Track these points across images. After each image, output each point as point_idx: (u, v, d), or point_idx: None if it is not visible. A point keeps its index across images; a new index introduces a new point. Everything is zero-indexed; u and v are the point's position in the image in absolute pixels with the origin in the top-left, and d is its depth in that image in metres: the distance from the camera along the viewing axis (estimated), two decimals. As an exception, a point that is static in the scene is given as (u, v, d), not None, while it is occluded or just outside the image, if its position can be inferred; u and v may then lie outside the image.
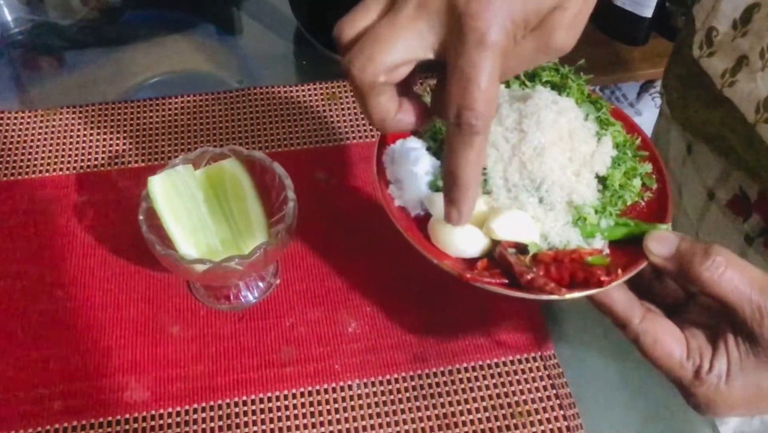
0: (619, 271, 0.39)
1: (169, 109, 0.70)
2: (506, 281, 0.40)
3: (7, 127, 0.67)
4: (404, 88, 0.37)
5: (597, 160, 0.44)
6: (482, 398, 0.52)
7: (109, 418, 0.50)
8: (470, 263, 0.42)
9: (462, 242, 0.42)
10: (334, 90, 0.72)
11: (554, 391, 0.52)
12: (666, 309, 0.41)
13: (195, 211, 0.52)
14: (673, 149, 0.68)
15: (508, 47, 0.33)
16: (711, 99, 0.57)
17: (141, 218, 0.50)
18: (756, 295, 0.36)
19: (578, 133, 0.43)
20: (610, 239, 0.43)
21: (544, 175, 0.42)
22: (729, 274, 0.36)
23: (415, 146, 0.46)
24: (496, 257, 0.42)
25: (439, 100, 0.37)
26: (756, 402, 0.38)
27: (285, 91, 0.72)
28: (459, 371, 0.53)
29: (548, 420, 0.51)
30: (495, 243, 0.42)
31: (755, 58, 0.52)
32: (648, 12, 1.29)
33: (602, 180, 0.45)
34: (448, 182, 0.37)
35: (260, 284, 0.57)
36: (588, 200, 0.43)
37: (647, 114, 1.46)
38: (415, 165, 0.44)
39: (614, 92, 1.50)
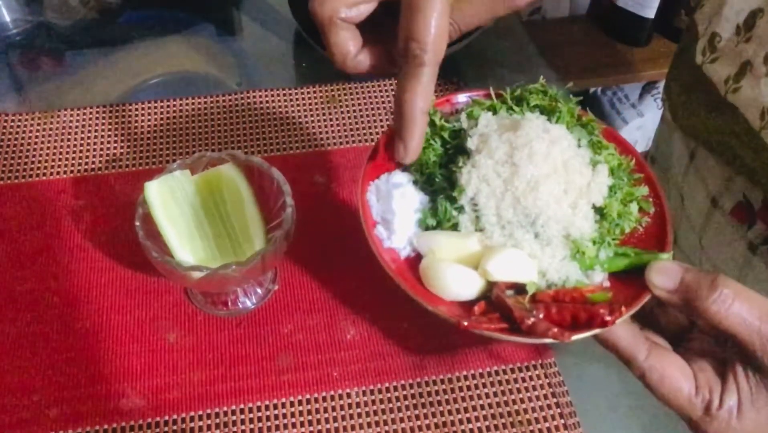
0: (623, 308, 0.37)
1: (167, 113, 0.69)
2: (506, 326, 0.38)
3: (5, 130, 0.67)
4: (372, 34, 0.38)
5: (593, 190, 0.42)
6: (482, 407, 0.51)
7: (106, 426, 0.50)
8: (467, 306, 0.40)
9: (456, 284, 0.40)
10: (333, 93, 0.71)
11: (555, 400, 0.52)
12: (670, 337, 0.40)
13: (192, 217, 0.52)
14: (675, 156, 0.67)
15: None
16: (714, 105, 0.57)
17: (138, 223, 0.49)
18: (766, 327, 0.35)
19: (572, 163, 0.42)
20: (610, 271, 0.42)
21: (539, 210, 0.40)
22: (737, 307, 0.35)
23: (401, 181, 0.44)
24: (493, 300, 0.40)
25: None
26: None
27: (284, 94, 0.71)
28: (459, 379, 0.53)
29: (549, 429, 0.50)
30: (491, 284, 0.40)
31: (759, 64, 0.52)
32: (650, 13, 1.28)
33: (599, 210, 0.43)
34: (395, 116, 0.38)
35: (258, 290, 0.56)
36: (585, 233, 0.42)
37: (649, 115, 1.45)
38: (402, 203, 0.42)
39: (616, 93, 1.50)
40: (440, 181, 0.43)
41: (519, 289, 0.40)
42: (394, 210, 0.42)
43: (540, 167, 0.40)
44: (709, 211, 0.61)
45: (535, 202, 0.40)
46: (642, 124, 1.46)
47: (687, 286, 0.37)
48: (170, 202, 0.51)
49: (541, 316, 0.38)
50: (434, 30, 0.35)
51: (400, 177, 0.44)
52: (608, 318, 0.37)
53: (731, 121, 0.55)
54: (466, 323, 0.38)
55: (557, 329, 0.37)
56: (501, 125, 0.43)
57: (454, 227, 0.42)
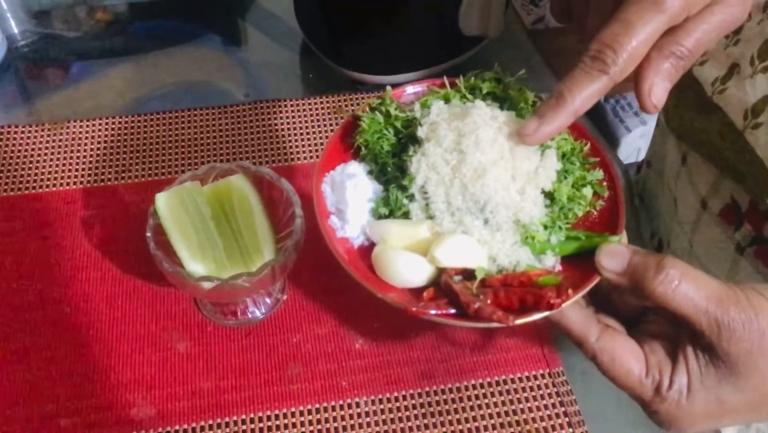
0: (570, 291, 0.38)
1: (176, 123, 0.70)
2: (453, 312, 0.39)
3: (15, 142, 0.67)
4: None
5: (541, 175, 0.42)
6: (490, 416, 0.52)
7: (116, 435, 0.50)
8: (417, 293, 0.41)
9: (406, 271, 0.40)
10: (340, 103, 0.72)
11: (563, 408, 0.52)
12: (626, 320, 0.41)
13: (202, 228, 0.52)
14: (668, 161, 0.67)
15: (679, 16, 0.36)
16: (702, 106, 0.57)
17: (148, 234, 0.50)
18: (712, 307, 0.35)
19: (520, 149, 0.41)
20: (562, 255, 0.42)
21: (487, 196, 0.41)
22: (683, 287, 0.35)
23: (355, 172, 0.44)
24: (442, 286, 0.40)
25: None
26: (718, 416, 0.37)
27: (291, 105, 0.72)
28: (467, 388, 0.53)
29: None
30: (441, 270, 0.41)
31: (745, 65, 0.52)
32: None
33: (549, 195, 0.43)
34: (551, 99, 0.38)
35: (267, 300, 0.57)
36: (535, 218, 0.42)
37: (652, 123, 1.45)
38: (355, 193, 0.43)
39: (619, 101, 1.50)
40: (392, 170, 0.44)
41: (468, 275, 0.40)
42: (347, 200, 0.43)
43: (487, 154, 0.40)
44: (699, 213, 0.61)
45: (483, 188, 0.40)
46: (645, 132, 1.47)
47: (634, 268, 0.37)
48: (181, 214, 0.51)
49: (488, 301, 0.38)
50: (634, 52, 0.36)
51: (354, 167, 0.45)
52: (554, 301, 0.37)
53: (717, 122, 0.55)
54: (414, 309, 0.38)
55: (502, 313, 0.37)
56: (452, 114, 0.43)
57: (406, 215, 0.43)
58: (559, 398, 0.52)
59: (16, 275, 0.58)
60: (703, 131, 0.58)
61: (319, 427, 0.51)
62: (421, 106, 0.45)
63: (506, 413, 0.52)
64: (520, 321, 0.38)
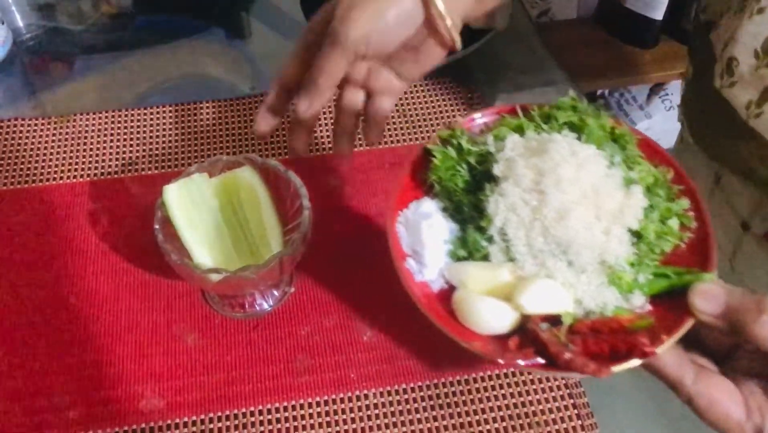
0: (664, 336, 0.36)
1: (182, 116, 0.70)
2: (542, 361, 0.37)
3: (21, 135, 0.67)
4: None
5: (627, 214, 0.40)
6: (499, 408, 0.52)
7: (125, 427, 0.50)
8: (501, 339, 0.39)
9: (490, 318, 0.38)
10: (347, 96, 0.72)
11: (572, 400, 0.52)
12: (716, 356, 0.39)
13: (210, 220, 0.52)
14: (699, 179, 0.65)
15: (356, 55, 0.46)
16: (737, 130, 0.55)
17: (157, 226, 0.50)
18: None
19: (603, 187, 0.39)
20: (651, 294, 0.39)
21: (570, 238, 0.38)
22: None
23: (429, 211, 0.42)
24: (528, 334, 0.38)
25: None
26: None
27: (298, 98, 0.71)
28: (476, 381, 0.53)
29: (566, 430, 0.50)
30: (525, 316, 0.39)
31: None
32: (659, 14, 1.28)
33: (636, 233, 0.40)
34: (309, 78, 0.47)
35: (275, 293, 0.57)
36: (621, 257, 0.39)
37: (657, 117, 1.45)
38: (431, 234, 0.41)
39: (623, 95, 1.50)
40: (468, 209, 0.42)
41: (555, 320, 0.38)
42: (424, 242, 0.41)
43: (569, 194, 0.39)
44: (740, 235, 0.60)
45: (566, 230, 0.38)
46: (650, 125, 1.46)
47: (733, 310, 0.35)
48: (189, 206, 0.51)
49: (578, 348, 0.36)
50: (360, 24, 0.45)
51: (428, 205, 0.43)
52: (649, 349, 0.35)
53: (756, 147, 0.53)
54: (501, 361, 0.37)
55: (595, 366, 0.35)
56: (528, 148, 0.41)
57: (485, 258, 0.41)
58: (568, 390, 0.52)
59: (24, 268, 0.58)
60: (740, 154, 0.56)
61: (328, 419, 0.51)
62: (494, 138, 0.43)
63: (515, 406, 0.52)
64: (615, 370, 0.35)
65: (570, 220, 0.38)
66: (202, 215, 0.52)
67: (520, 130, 0.44)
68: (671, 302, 0.38)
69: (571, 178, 0.39)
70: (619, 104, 1.49)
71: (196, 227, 0.51)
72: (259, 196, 0.54)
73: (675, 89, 1.45)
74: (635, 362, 0.36)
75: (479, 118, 0.46)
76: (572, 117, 0.43)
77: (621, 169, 0.42)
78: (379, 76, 0.50)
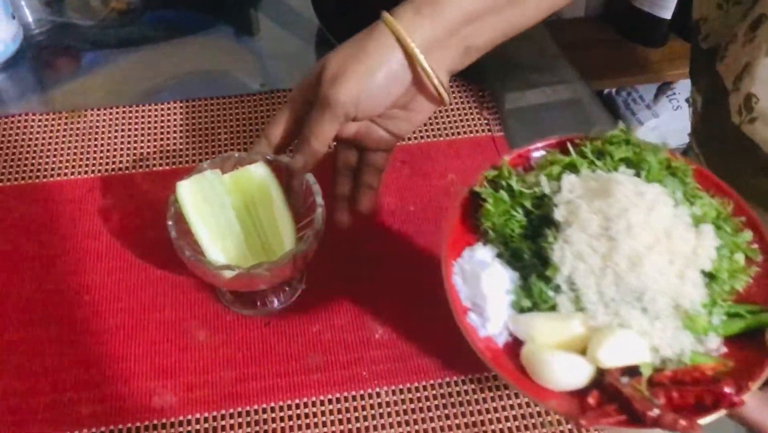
0: (749, 383, 0.35)
1: (193, 113, 0.70)
2: (626, 418, 0.35)
3: (32, 130, 0.67)
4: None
5: (701, 256, 0.38)
6: (511, 407, 0.52)
7: (138, 423, 0.50)
8: (578, 395, 0.37)
9: (565, 373, 0.37)
10: (357, 93, 0.72)
11: (584, 400, 0.52)
12: None
13: (223, 217, 0.52)
14: None
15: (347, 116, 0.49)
16: (760, 165, 0.54)
17: (170, 223, 0.50)
18: None
19: (674, 229, 0.38)
20: (726, 335, 0.38)
21: (644, 285, 0.37)
22: None
23: (486, 259, 0.40)
24: (608, 389, 0.36)
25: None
26: None
27: (308, 95, 0.71)
28: (488, 379, 0.53)
29: (578, 429, 0.50)
30: (601, 369, 0.37)
31: None
32: (667, 13, 1.28)
33: (709, 274, 0.39)
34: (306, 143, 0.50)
35: (286, 289, 0.57)
36: (696, 301, 0.38)
37: (665, 116, 1.45)
38: (492, 285, 0.39)
39: (631, 94, 1.49)
40: (529, 256, 0.40)
41: (632, 371, 0.37)
42: (485, 294, 0.39)
43: (640, 240, 0.37)
44: None
45: (640, 277, 0.37)
46: (657, 125, 1.46)
47: None
48: (201, 202, 0.51)
49: (662, 402, 0.35)
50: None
51: (483, 253, 0.41)
52: (737, 399, 0.34)
53: None
54: (584, 421, 0.35)
55: (686, 422, 0.34)
56: (588, 189, 0.39)
57: (552, 308, 0.39)
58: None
59: (34, 263, 0.58)
60: (764, 189, 0.55)
61: (340, 417, 0.51)
62: (547, 177, 0.41)
63: (527, 404, 0.52)
64: (703, 422, 0.34)
65: (644, 267, 0.37)
66: (214, 212, 0.52)
67: (572, 168, 0.42)
68: (746, 341, 0.37)
69: (641, 223, 0.37)
70: (626, 103, 1.48)
71: (209, 224, 0.51)
72: (271, 193, 0.53)
73: (682, 88, 1.45)
74: (721, 412, 0.35)
75: (527, 154, 0.44)
76: (627, 152, 0.42)
77: (686, 207, 0.40)
78: (371, 134, 0.52)
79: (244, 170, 0.54)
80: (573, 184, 0.40)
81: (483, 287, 0.39)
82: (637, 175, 0.41)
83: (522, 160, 0.44)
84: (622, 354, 0.37)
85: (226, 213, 0.52)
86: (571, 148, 0.43)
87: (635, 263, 0.37)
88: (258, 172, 0.54)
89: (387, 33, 0.47)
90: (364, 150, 0.54)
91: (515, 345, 0.39)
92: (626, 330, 0.37)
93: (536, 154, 0.44)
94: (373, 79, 0.47)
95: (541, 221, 0.40)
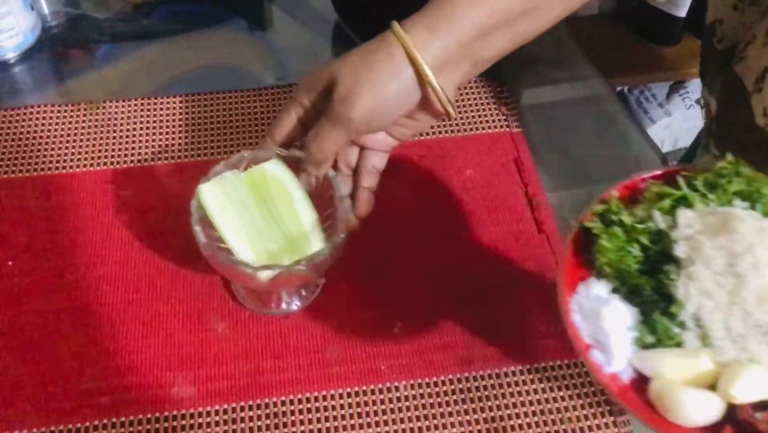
0: None
1: (211, 105, 0.70)
2: None
3: (50, 121, 0.67)
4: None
5: None
6: (530, 403, 0.51)
7: (157, 414, 0.50)
8: (708, 430, 0.37)
9: (696, 409, 0.37)
10: (375, 88, 0.71)
11: (604, 397, 0.51)
12: None
13: (247, 218, 0.51)
14: None
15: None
16: None
17: (197, 228, 0.48)
18: None
19: None
20: None
21: None
22: None
23: (604, 295, 0.40)
24: (742, 425, 0.37)
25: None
26: None
27: (326, 89, 0.71)
28: (506, 375, 0.53)
29: (598, 426, 0.50)
30: (732, 404, 0.37)
31: None
32: (681, 11, 1.27)
33: None
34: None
35: (304, 290, 0.56)
36: None
37: (677, 115, 1.44)
38: (613, 321, 0.39)
39: (643, 92, 1.49)
40: (649, 293, 0.40)
41: (763, 406, 0.37)
42: (608, 331, 0.39)
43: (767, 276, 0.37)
44: None
45: None
46: (669, 123, 1.45)
47: None
48: (225, 204, 0.50)
49: None
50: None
51: (599, 289, 0.41)
52: None
53: None
54: None
55: None
56: (706, 225, 0.40)
57: (678, 344, 0.39)
58: (600, 387, 0.52)
59: (54, 254, 0.58)
60: None
61: (359, 410, 0.51)
62: (660, 211, 0.41)
63: (546, 401, 0.51)
64: None
65: None
66: (239, 213, 0.51)
67: (685, 202, 0.42)
68: None
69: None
70: (639, 101, 1.48)
71: (236, 226, 0.50)
72: (289, 189, 0.52)
73: (695, 87, 1.44)
74: None
75: (631, 185, 0.44)
76: (740, 185, 0.42)
77: None
78: (372, 135, 0.52)
79: (259, 168, 0.52)
80: (690, 220, 0.40)
81: (605, 324, 0.39)
82: (752, 207, 0.41)
83: (627, 191, 0.44)
84: (755, 389, 0.37)
85: (249, 213, 0.51)
86: (681, 182, 0.43)
87: (763, 299, 0.37)
88: (273, 169, 0.52)
89: (398, 50, 0.46)
90: (363, 149, 0.54)
91: (640, 381, 0.39)
92: (757, 365, 0.37)
93: (640, 186, 0.44)
94: (385, 98, 0.47)
95: (659, 257, 0.41)
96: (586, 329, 0.40)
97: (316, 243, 0.51)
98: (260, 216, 0.52)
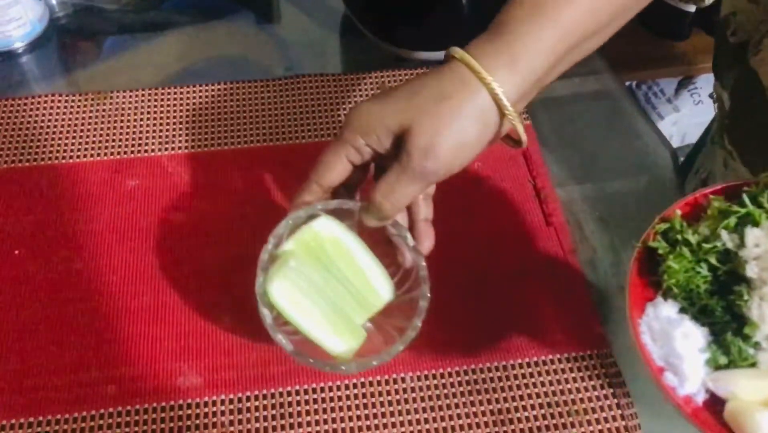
0: None
1: (219, 96, 0.70)
2: None
3: (58, 111, 0.67)
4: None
5: None
6: (537, 395, 0.51)
7: (163, 403, 0.50)
8: None
9: None
10: (384, 79, 0.71)
11: (611, 390, 0.51)
12: None
13: (321, 300, 0.47)
14: None
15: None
16: None
17: (279, 337, 0.45)
18: None
19: None
20: None
21: None
22: None
23: (674, 315, 0.40)
24: None
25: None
26: None
27: (334, 80, 0.71)
28: (513, 367, 0.52)
29: (605, 419, 0.50)
30: None
31: None
32: (691, 6, 1.26)
33: None
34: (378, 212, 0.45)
35: None
36: None
37: (685, 111, 1.44)
38: (686, 344, 0.39)
39: (651, 88, 1.48)
40: (720, 314, 0.40)
41: None
42: (681, 354, 0.39)
43: None
44: None
45: None
46: (678, 119, 1.45)
47: None
48: (298, 298, 0.46)
49: None
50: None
51: (667, 309, 0.41)
52: None
53: None
54: None
55: None
56: None
57: (752, 365, 0.39)
58: (607, 379, 0.52)
59: (61, 243, 0.58)
60: None
61: (365, 401, 0.51)
62: (726, 229, 0.41)
63: (553, 393, 0.51)
64: None
65: None
66: (312, 301, 0.46)
67: (750, 220, 0.41)
68: None
69: None
70: (647, 97, 1.47)
71: (315, 317, 0.46)
72: (346, 245, 0.48)
73: (704, 83, 1.44)
74: None
75: (692, 201, 0.44)
76: None
77: None
78: None
79: (309, 230, 0.47)
80: (758, 238, 0.40)
81: (677, 345, 0.39)
82: None
83: (689, 208, 0.44)
84: None
85: (321, 293, 0.47)
86: (746, 198, 0.42)
87: None
88: (325, 228, 0.48)
89: (481, 93, 0.42)
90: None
91: (714, 403, 0.39)
92: None
93: (700, 202, 0.44)
94: (469, 143, 0.43)
95: (728, 277, 0.40)
96: (657, 352, 0.40)
97: (385, 294, 0.48)
98: (330, 289, 0.47)
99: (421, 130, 0.42)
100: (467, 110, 0.42)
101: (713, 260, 0.41)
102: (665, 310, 0.40)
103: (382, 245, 0.49)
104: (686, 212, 0.44)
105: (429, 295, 0.47)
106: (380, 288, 0.48)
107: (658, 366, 0.39)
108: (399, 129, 0.43)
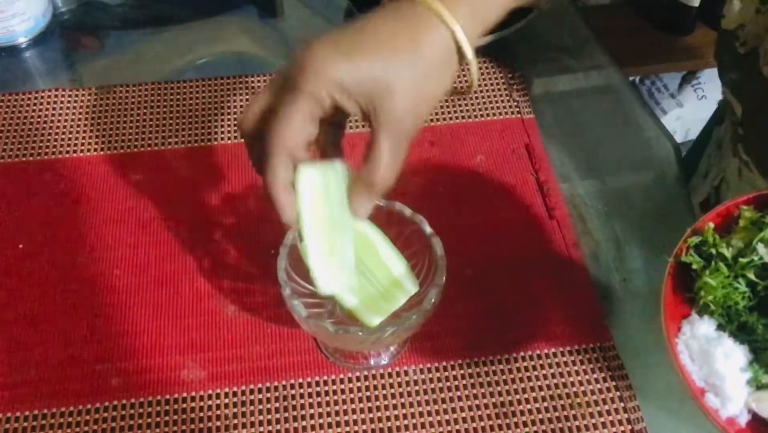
0: None
1: (222, 90, 0.70)
2: None
3: (62, 105, 0.68)
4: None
5: None
6: (540, 388, 0.51)
7: (167, 396, 0.50)
8: None
9: None
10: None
11: (614, 383, 0.51)
12: None
13: (334, 231, 0.45)
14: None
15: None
16: None
17: (296, 304, 0.45)
18: None
19: None
20: None
21: None
22: None
23: (712, 334, 0.39)
24: None
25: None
26: None
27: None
28: (516, 360, 0.53)
29: (608, 412, 0.50)
30: None
31: None
32: (695, 1, 1.26)
33: None
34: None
35: None
36: None
37: (688, 106, 1.43)
38: (728, 364, 0.38)
39: (654, 83, 1.47)
40: (762, 331, 0.39)
41: None
42: (722, 374, 0.38)
43: None
44: None
45: None
46: (681, 114, 1.44)
47: None
48: (320, 200, 0.44)
49: None
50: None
51: (705, 327, 0.40)
52: None
53: None
54: None
55: None
56: None
57: None
58: (610, 372, 0.52)
59: (64, 238, 0.58)
60: None
61: (368, 394, 0.51)
62: (762, 243, 0.40)
63: (556, 386, 0.51)
64: None
65: None
66: (328, 218, 0.44)
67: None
68: None
69: None
70: (650, 92, 1.47)
71: (319, 228, 0.44)
72: (370, 239, 0.48)
73: (707, 78, 1.43)
74: None
75: (723, 212, 0.43)
76: None
77: None
78: None
79: None
80: None
81: (718, 366, 0.38)
82: None
83: (720, 219, 0.43)
84: None
85: (339, 230, 0.45)
86: None
87: None
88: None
89: (448, 41, 0.42)
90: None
91: (758, 423, 0.38)
92: None
93: (731, 212, 0.43)
94: (439, 101, 0.44)
95: (766, 292, 0.40)
96: (697, 372, 0.39)
97: (409, 287, 0.48)
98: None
99: (406, 92, 0.41)
100: (439, 61, 0.42)
101: (751, 276, 0.40)
102: (702, 328, 0.39)
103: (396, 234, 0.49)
104: (719, 223, 0.42)
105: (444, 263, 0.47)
106: (401, 278, 0.48)
107: (698, 387, 0.38)
108: (377, 91, 0.40)
